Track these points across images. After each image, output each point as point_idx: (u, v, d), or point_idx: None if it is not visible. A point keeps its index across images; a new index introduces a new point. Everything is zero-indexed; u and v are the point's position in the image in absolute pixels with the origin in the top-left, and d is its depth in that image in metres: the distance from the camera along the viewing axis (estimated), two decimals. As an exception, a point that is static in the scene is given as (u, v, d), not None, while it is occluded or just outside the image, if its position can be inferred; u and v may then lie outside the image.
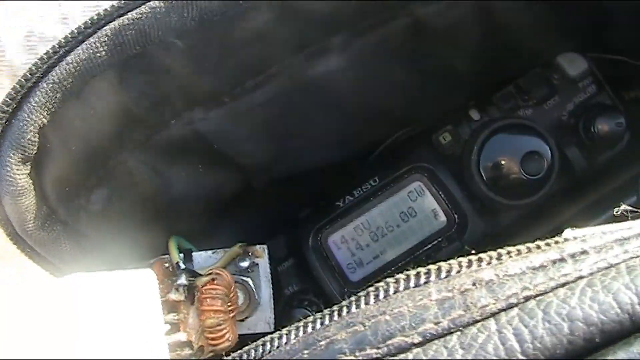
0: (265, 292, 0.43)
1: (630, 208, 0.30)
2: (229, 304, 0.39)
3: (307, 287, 0.48)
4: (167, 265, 0.41)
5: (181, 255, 0.41)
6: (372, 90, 0.43)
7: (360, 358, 0.20)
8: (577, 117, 0.46)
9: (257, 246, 0.43)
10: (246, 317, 0.43)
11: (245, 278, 0.43)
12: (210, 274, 0.39)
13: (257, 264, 0.43)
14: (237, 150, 0.43)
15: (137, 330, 0.35)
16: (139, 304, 0.35)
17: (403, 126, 0.48)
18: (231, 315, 0.39)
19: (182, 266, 0.40)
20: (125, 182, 0.40)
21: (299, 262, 0.48)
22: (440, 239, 0.46)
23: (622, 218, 0.29)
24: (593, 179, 0.47)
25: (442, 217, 0.47)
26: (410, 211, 0.47)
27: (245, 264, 0.43)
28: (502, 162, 0.44)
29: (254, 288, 0.43)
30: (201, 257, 0.42)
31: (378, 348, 0.20)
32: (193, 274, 0.39)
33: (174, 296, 0.38)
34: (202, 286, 0.38)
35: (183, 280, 0.38)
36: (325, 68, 0.40)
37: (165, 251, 0.42)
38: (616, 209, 0.30)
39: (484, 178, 0.44)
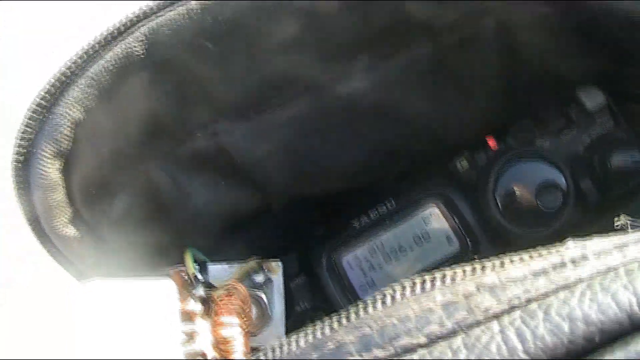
0: (278, 307, 0.44)
1: (630, 220, 0.30)
2: (244, 317, 0.39)
3: (318, 305, 0.48)
4: (184, 276, 0.41)
5: (197, 266, 0.42)
6: (393, 115, 0.44)
7: (367, 359, 0.21)
8: (593, 151, 0.47)
9: (272, 262, 0.44)
10: (258, 331, 0.43)
11: (259, 292, 0.43)
12: (227, 287, 0.39)
13: (272, 280, 0.44)
14: (257, 168, 0.44)
15: (153, 339, 0.35)
16: (157, 313, 0.36)
17: (421, 152, 0.49)
18: (245, 329, 0.39)
19: (200, 278, 0.40)
20: (146, 191, 0.41)
21: (311, 280, 0.48)
22: (452, 264, 0.47)
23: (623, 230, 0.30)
24: (604, 210, 0.47)
25: (456, 242, 0.47)
26: (424, 235, 0.47)
27: (260, 278, 0.43)
28: (518, 192, 0.44)
29: (267, 303, 0.43)
30: (216, 269, 0.43)
31: (384, 349, 0.21)
32: (210, 286, 0.40)
33: (190, 307, 0.38)
34: (219, 298, 0.39)
35: (200, 291, 0.39)
36: (349, 90, 0.41)
37: (180, 261, 0.42)
38: (617, 222, 0.31)
39: (499, 206, 0.45)
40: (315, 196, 0.47)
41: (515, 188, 0.44)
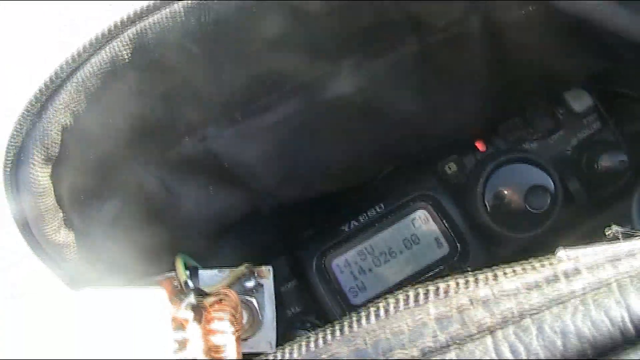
0: (269, 312, 0.44)
1: (621, 229, 0.31)
2: (235, 323, 0.39)
3: (309, 309, 0.48)
4: (175, 283, 0.41)
5: (187, 272, 0.42)
6: (381, 116, 0.44)
7: None
8: (581, 152, 0.47)
9: (263, 267, 0.44)
10: (249, 336, 0.43)
11: (249, 298, 0.43)
12: (218, 294, 0.39)
13: (262, 285, 0.44)
14: (246, 171, 0.44)
15: (145, 347, 0.35)
16: (148, 321, 0.36)
17: (410, 155, 0.49)
18: (236, 335, 0.39)
19: (191, 285, 0.40)
20: (136, 196, 0.41)
21: (301, 284, 0.48)
22: (442, 267, 0.47)
23: (614, 239, 0.30)
24: (593, 211, 0.48)
25: (445, 245, 0.47)
26: (413, 238, 0.47)
27: (250, 284, 0.43)
28: (506, 194, 0.45)
29: (258, 308, 0.43)
30: (207, 275, 0.43)
31: None
32: (201, 293, 0.40)
33: (181, 314, 0.38)
34: (210, 306, 0.39)
35: (192, 299, 0.39)
36: (337, 91, 0.41)
37: (170, 266, 0.42)
38: (607, 231, 0.31)
39: (488, 209, 0.45)
40: (305, 198, 0.47)
41: (504, 191, 0.45)
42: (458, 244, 0.47)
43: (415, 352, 0.21)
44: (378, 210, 0.48)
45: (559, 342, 0.19)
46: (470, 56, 0.43)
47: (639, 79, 0.46)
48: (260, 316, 0.43)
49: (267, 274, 0.44)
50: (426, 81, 0.43)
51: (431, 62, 0.42)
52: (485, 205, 0.45)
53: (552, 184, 0.44)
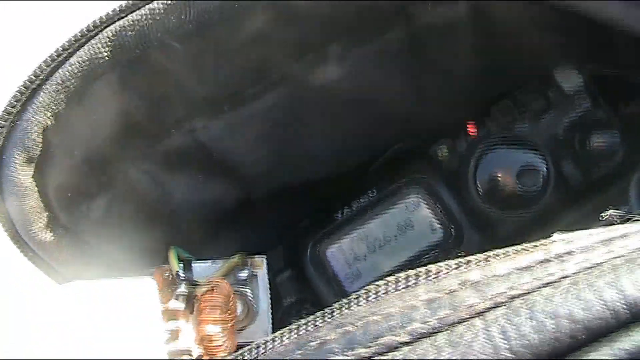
0: (264, 302, 0.43)
1: (617, 213, 0.30)
2: (228, 313, 0.39)
3: (305, 298, 0.48)
4: (167, 274, 0.41)
5: (181, 264, 0.42)
6: (370, 102, 0.44)
7: (351, 357, 0.21)
8: (573, 131, 0.47)
9: (256, 257, 0.44)
10: (244, 327, 0.43)
11: (244, 288, 0.43)
12: (210, 283, 0.39)
13: (256, 275, 0.44)
14: (237, 160, 0.44)
15: (137, 338, 0.35)
16: (139, 312, 0.36)
17: (401, 139, 0.49)
18: (230, 324, 0.39)
19: (182, 275, 0.40)
20: (125, 190, 0.41)
21: (296, 273, 0.48)
22: (436, 251, 0.47)
23: (610, 223, 0.30)
24: (587, 191, 0.47)
25: (439, 229, 0.47)
26: (407, 223, 0.47)
27: (244, 274, 0.43)
28: (499, 176, 0.44)
29: (252, 298, 0.43)
30: (200, 267, 0.43)
31: (368, 347, 0.21)
32: (193, 283, 0.40)
33: (173, 305, 0.38)
34: (202, 295, 0.39)
35: (183, 289, 0.39)
36: (324, 77, 0.41)
37: (164, 260, 0.42)
38: (603, 214, 0.31)
39: (480, 191, 0.45)
40: (297, 186, 0.47)
41: (496, 172, 0.44)
42: (452, 228, 0.47)
43: (405, 336, 0.20)
44: (371, 196, 0.48)
45: (550, 325, 0.19)
46: (458, 40, 0.43)
47: (629, 59, 0.46)
48: (255, 306, 0.43)
49: (260, 264, 0.44)
50: (414, 66, 0.43)
51: (419, 46, 0.42)
52: (478, 188, 0.45)
53: (544, 163, 0.44)
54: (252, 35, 0.36)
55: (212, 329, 0.38)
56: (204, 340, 0.38)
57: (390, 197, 0.48)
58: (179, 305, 0.38)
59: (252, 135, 0.42)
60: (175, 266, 0.41)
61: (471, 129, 0.48)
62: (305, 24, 0.37)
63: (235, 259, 0.43)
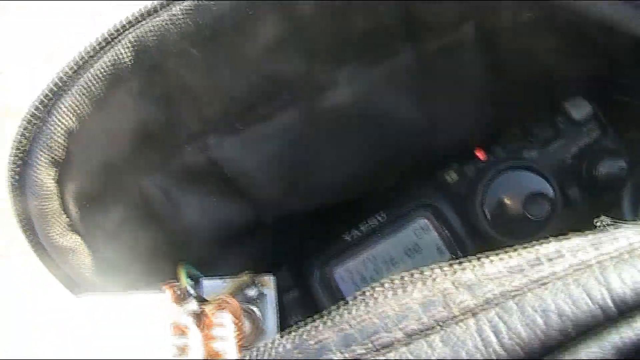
0: (271, 321, 0.44)
1: (609, 219, 0.31)
2: (236, 331, 0.40)
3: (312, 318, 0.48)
4: (176, 290, 0.42)
5: (190, 281, 0.42)
6: (379, 126, 0.45)
7: (348, 356, 0.21)
8: (581, 159, 0.47)
9: (265, 276, 0.44)
10: (251, 345, 0.43)
11: (252, 306, 0.43)
12: (218, 300, 0.40)
13: (265, 294, 0.44)
14: (248, 181, 0.44)
15: (145, 353, 0.35)
16: (148, 327, 0.36)
17: (411, 163, 0.49)
18: (237, 342, 0.40)
19: (191, 292, 0.41)
20: (138, 204, 0.42)
21: (304, 293, 0.49)
22: (444, 277, 0.47)
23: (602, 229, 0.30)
24: (594, 218, 0.48)
25: (446, 254, 0.47)
26: (415, 247, 0.48)
27: (252, 292, 0.44)
28: (506, 203, 0.45)
29: (260, 317, 0.43)
30: (209, 284, 0.43)
31: (364, 346, 0.21)
32: (201, 300, 0.40)
33: (182, 320, 0.39)
34: (210, 312, 0.39)
35: (193, 305, 0.39)
36: (335, 99, 0.42)
37: (174, 276, 0.43)
38: (596, 221, 0.31)
39: (488, 217, 0.45)
40: (307, 209, 0.48)
41: (503, 199, 0.45)
42: (459, 252, 0.47)
43: (400, 335, 0.21)
44: (380, 219, 0.48)
45: (540, 320, 0.20)
46: (467, 63, 0.43)
47: (637, 86, 0.46)
48: (262, 325, 0.44)
49: (269, 283, 0.44)
50: (423, 89, 0.44)
51: (427, 70, 0.43)
52: (485, 213, 0.45)
53: (552, 190, 0.45)
54: (264, 46, 0.37)
55: (219, 345, 0.38)
56: (211, 356, 0.38)
57: (399, 220, 0.48)
58: (187, 321, 0.39)
59: (264, 157, 0.43)
60: (184, 282, 0.42)
61: (480, 155, 0.49)
62: (315, 37, 0.38)
63: (244, 277, 0.43)
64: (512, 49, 0.43)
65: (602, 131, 0.48)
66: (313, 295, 0.48)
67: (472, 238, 0.47)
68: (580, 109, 0.48)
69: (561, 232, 0.46)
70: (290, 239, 0.51)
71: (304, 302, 0.49)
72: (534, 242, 0.23)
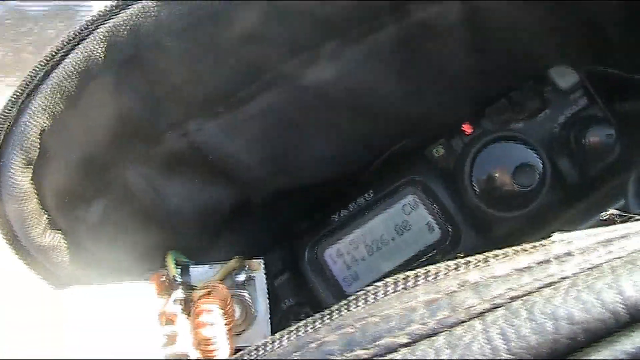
0: (262, 305, 0.43)
1: (617, 212, 0.30)
2: (225, 317, 0.39)
3: (304, 301, 0.48)
4: (164, 278, 0.41)
5: (178, 269, 0.42)
6: (365, 103, 0.44)
7: (350, 359, 0.20)
8: (569, 129, 0.47)
9: (254, 260, 0.44)
10: (243, 331, 0.43)
11: (241, 292, 0.43)
12: (206, 287, 0.39)
13: (254, 278, 0.44)
14: (233, 163, 0.44)
15: (134, 343, 0.35)
16: (136, 317, 0.36)
17: (398, 140, 0.49)
18: (227, 328, 0.39)
19: (179, 279, 0.40)
20: (122, 195, 0.41)
21: (295, 276, 0.48)
22: (434, 252, 0.47)
23: (610, 222, 0.30)
24: (584, 189, 0.47)
25: (436, 230, 0.47)
26: (404, 224, 0.47)
27: (241, 277, 0.43)
28: (495, 175, 0.44)
29: (250, 302, 0.43)
30: (198, 271, 0.43)
31: (367, 349, 0.20)
32: (190, 287, 0.40)
33: (170, 309, 0.38)
34: (198, 299, 0.39)
35: (180, 293, 0.39)
36: (317, 77, 0.41)
37: (162, 264, 0.42)
38: (603, 214, 0.31)
39: (476, 191, 0.45)
40: (294, 189, 0.47)
41: (491, 171, 0.44)
42: (449, 228, 0.47)
43: (404, 337, 0.20)
44: (368, 197, 0.48)
45: (549, 327, 0.19)
46: (453, 39, 0.43)
47: (626, 58, 0.46)
48: (253, 310, 0.43)
49: (258, 267, 0.44)
50: (407, 66, 0.43)
51: (412, 45, 0.42)
52: (474, 187, 0.45)
53: (540, 161, 0.44)
54: (244, 32, 0.36)
55: (209, 332, 0.38)
56: (201, 344, 0.38)
57: (387, 199, 0.48)
58: (176, 309, 0.38)
59: (248, 139, 0.42)
60: (173, 270, 0.41)
61: (467, 129, 0.48)
62: (297, 21, 0.37)
63: (232, 263, 0.43)
64: (499, 25, 0.42)
65: (590, 100, 0.48)
66: (304, 278, 0.47)
67: (462, 213, 0.47)
68: (566, 78, 0.48)
69: (553, 208, 0.46)
70: (280, 223, 0.50)
71: (295, 285, 0.48)
72: (542, 240, 0.22)
